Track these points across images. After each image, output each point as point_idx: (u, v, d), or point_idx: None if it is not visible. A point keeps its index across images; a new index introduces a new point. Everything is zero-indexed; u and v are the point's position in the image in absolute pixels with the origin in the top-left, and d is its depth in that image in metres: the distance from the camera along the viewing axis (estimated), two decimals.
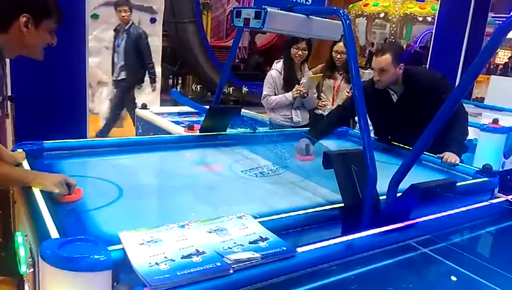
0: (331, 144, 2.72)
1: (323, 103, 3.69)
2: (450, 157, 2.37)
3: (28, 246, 1.35)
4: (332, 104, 3.67)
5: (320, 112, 3.68)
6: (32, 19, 1.46)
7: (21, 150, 1.83)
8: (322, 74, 3.71)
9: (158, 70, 7.45)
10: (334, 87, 3.69)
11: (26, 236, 1.39)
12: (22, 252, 1.37)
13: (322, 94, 3.75)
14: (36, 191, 1.48)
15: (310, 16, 1.96)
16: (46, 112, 2.93)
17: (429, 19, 12.06)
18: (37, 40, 1.52)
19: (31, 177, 1.52)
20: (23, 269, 1.34)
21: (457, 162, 2.36)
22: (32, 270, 1.25)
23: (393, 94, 2.69)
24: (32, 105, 2.87)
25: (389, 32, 13.76)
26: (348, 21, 1.66)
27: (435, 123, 1.41)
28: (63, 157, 2.05)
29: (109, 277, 1.04)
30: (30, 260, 1.28)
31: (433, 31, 6.07)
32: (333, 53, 3.61)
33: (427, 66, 5.87)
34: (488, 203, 1.88)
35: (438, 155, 2.41)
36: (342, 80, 3.68)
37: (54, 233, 1.20)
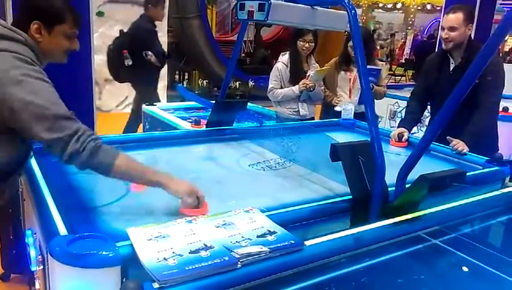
0: (338, 136, 2.70)
1: (338, 99, 3.63)
2: (459, 144, 2.36)
3: (37, 244, 1.36)
4: (349, 97, 3.61)
5: (337, 108, 3.59)
6: (44, 25, 1.52)
7: None
8: (329, 67, 3.65)
9: (164, 66, 7.48)
10: (350, 79, 3.63)
11: (35, 234, 1.40)
12: (32, 249, 1.38)
13: (338, 88, 3.66)
14: (44, 188, 1.48)
15: (315, 7, 1.94)
16: None
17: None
18: (53, 45, 1.57)
19: (165, 181, 1.49)
20: (33, 266, 1.35)
21: (465, 151, 2.34)
22: (42, 267, 1.26)
23: (452, 63, 2.74)
24: None
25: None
26: (353, 11, 1.64)
27: (442, 113, 1.39)
28: None
29: (118, 273, 1.04)
30: (40, 257, 1.29)
31: (441, 20, 6.00)
32: (349, 48, 3.52)
33: None
34: (499, 192, 1.86)
35: (448, 138, 2.38)
36: (357, 72, 3.60)
37: (62, 230, 1.21)
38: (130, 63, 4.53)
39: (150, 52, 4.54)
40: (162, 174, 1.52)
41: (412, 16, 17.40)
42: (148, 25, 4.61)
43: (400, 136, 2.67)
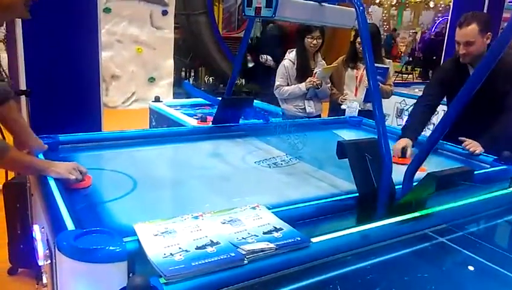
0: (345, 134, 2.69)
1: (344, 97, 3.62)
2: (472, 144, 2.30)
3: (45, 238, 1.36)
4: (355, 95, 3.60)
5: (343, 106, 3.59)
6: None
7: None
8: (336, 65, 3.64)
9: (171, 63, 7.48)
10: (356, 77, 3.61)
11: (43, 228, 1.41)
12: (39, 244, 1.39)
13: (345, 87, 3.65)
14: (52, 183, 1.49)
15: (323, 4, 1.93)
16: (61, 106, 2.96)
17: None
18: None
19: (46, 165, 1.57)
20: (40, 261, 1.36)
21: (478, 152, 2.28)
22: (49, 261, 1.27)
23: (471, 69, 2.50)
24: (47, 99, 2.90)
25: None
26: (361, 8, 1.63)
27: (450, 111, 1.39)
28: (78, 150, 2.07)
29: (125, 268, 1.05)
30: (47, 251, 1.30)
31: (449, 17, 5.96)
32: (357, 44, 3.51)
33: (443, 53, 5.76)
34: (507, 191, 1.84)
35: (460, 138, 2.31)
36: (364, 70, 3.61)
37: (70, 225, 1.21)
38: (251, 65, 4.98)
39: (265, 56, 4.93)
40: (40, 161, 1.62)
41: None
42: (274, 31, 4.96)
43: (403, 151, 2.26)
